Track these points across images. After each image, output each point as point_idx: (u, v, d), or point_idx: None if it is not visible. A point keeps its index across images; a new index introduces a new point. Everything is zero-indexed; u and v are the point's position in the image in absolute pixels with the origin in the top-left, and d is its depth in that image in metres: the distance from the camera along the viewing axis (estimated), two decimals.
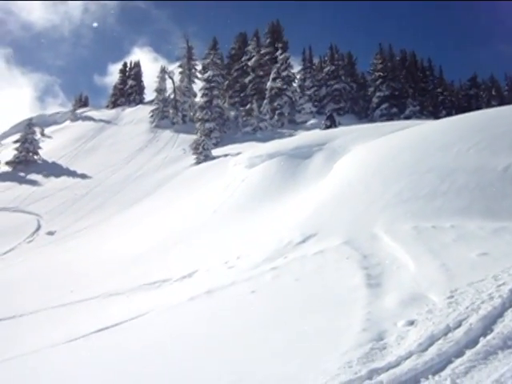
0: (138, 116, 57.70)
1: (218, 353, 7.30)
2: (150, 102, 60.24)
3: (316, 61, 60.27)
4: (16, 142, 46.00)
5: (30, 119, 50.73)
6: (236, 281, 10.67)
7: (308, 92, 53.71)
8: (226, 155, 33.78)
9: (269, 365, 6.28)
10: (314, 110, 49.65)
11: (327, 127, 34.37)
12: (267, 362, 6.38)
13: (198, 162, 36.02)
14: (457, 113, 30.29)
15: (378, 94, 54.40)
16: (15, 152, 44.75)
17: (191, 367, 6.96)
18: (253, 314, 8.48)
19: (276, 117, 47.05)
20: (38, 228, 27.33)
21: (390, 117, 49.86)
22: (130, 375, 7.23)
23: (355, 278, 8.73)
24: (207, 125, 43.06)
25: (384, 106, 53.19)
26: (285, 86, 48.45)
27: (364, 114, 55.19)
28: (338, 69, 57.31)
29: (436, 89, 60.31)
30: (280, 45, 53.05)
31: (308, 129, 37.48)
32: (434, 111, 55.09)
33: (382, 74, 55.52)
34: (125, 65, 71.12)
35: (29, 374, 8.64)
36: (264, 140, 37.02)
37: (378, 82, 55.32)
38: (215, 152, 37.17)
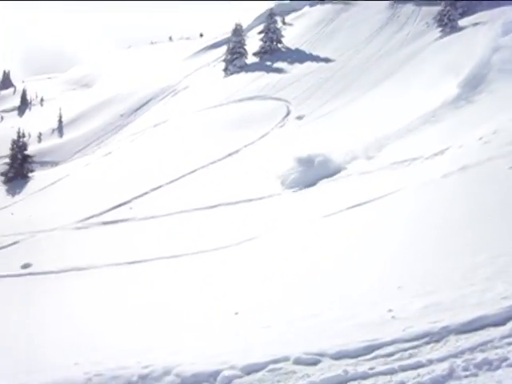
0: None
1: (473, 228, 7.25)
2: None
3: None
4: (260, 33, 47.84)
5: (271, 9, 51.73)
6: (492, 156, 10.22)
7: None
8: (475, 24, 31.09)
9: None
10: None
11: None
12: None
13: (443, 36, 33.81)
14: None
15: None
16: (260, 43, 46.67)
17: (445, 240, 7.06)
18: None
19: None
20: (288, 113, 28.73)
21: None
22: (374, 249, 7.62)
23: None
24: None
25: None
26: None
27: None
28: None
29: None
30: None
31: None
32: None
33: None
34: None
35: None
36: None
37: None
38: (462, 22, 34.44)
